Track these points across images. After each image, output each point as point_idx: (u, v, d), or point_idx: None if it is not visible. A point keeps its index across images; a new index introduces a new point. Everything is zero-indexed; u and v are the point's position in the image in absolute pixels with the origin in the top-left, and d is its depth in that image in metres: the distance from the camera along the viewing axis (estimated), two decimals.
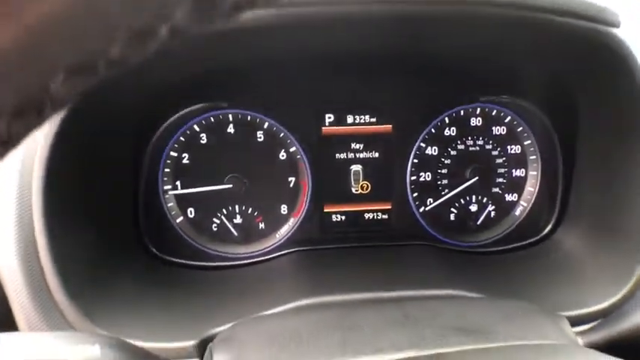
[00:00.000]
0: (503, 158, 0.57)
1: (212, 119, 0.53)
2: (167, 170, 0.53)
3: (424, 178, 0.56)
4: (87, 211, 0.43)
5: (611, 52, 0.45)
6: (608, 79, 0.50)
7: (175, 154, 0.53)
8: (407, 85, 0.54)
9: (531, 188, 0.58)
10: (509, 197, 0.58)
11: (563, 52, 0.51)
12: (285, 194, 0.55)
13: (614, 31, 0.46)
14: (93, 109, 0.37)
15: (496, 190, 0.57)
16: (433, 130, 0.55)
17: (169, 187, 0.53)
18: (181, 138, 0.53)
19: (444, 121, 0.55)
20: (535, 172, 0.57)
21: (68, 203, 0.41)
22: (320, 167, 0.55)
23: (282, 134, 0.53)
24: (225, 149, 0.53)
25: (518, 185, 0.58)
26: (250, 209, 0.55)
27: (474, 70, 0.53)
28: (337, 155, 0.55)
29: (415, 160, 0.55)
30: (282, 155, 0.54)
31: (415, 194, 0.56)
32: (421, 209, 0.56)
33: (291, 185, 0.55)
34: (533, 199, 0.58)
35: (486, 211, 0.57)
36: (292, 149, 0.54)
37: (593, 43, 0.45)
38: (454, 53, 0.51)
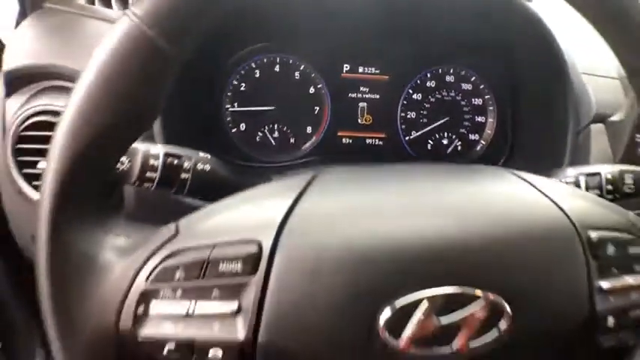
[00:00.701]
0: (469, 107, 0.77)
1: (264, 59, 0.75)
2: (229, 94, 0.75)
3: (410, 116, 0.77)
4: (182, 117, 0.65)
5: (525, 21, 0.67)
6: (530, 46, 0.71)
7: (236, 83, 0.75)
8: (402, 48, 0.76)
9: (489, 131, 0.78)
10: (472, 137, 0.78)
11: (489, 24, 0.72)
12: (311, 119, 0.76)
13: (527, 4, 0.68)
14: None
15: (462, 130, 0.78)
16: (418, 82, 0.76)
17: (229, 105, 0.76)
18: (242, 71, 0.75)
19: (427, 75, 0.76)
20: (492, 120, 0.78)
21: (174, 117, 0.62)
22: (337, 101, 0.76)
23: (313, 74, 0.75)
24: (271, 82, 0.76)
25: (479, 128, 0.77)
26: (285, 127, 0.75)
27: (449, 39, 0.76)
28: (350, 94, 0.76)
29: (404, 102, 0.77)
30: (312, 90, 0.75)
31: (403, 126, 0.77)
32: (407, 138, 0.77)
33: (316, 113, 0.76)
34: (491, 139, 0.77)
35: (454, 145, 0.78)
36: (319, 86, 0.75)
37: (510, 15, 0.67)
38: (431, 26, 0.74)
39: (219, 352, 0.32)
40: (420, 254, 0.33)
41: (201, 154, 0.48)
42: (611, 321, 0.38)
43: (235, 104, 0.75)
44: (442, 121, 0.77)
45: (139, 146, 0.45)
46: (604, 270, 0.38)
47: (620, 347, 0.44)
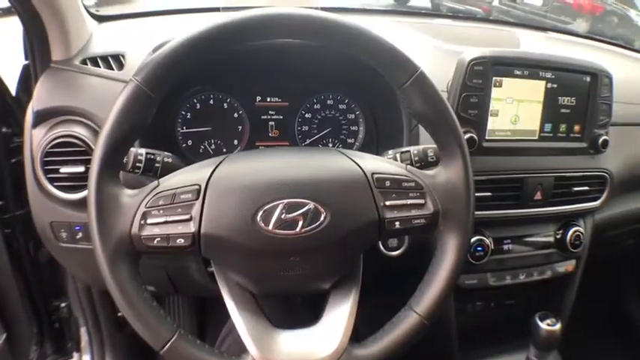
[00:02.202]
0: (345, 121, 1.10)
1: (202, 96, 1.05)
2: (179, 121, 1.06)
3: (304, 128, 1.09)
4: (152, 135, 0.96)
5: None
6: (379, 83, 0.96)
7: (184, 112, 1.07)
8: (295, 83, 1.08)
9: (361, 136, 1.10)
10: (349, 141, 1.11)
11: (353, 69, 0.97)
12: (236, 134, 1.06)
13: None
14: None
15: (342, 137, 1.12)
16: (308, 105, 1.09)
17: (179, 128, 1.08)
18: (187, 105, 1.07)
19: (314, 100, 1.09)
20: (362, 128, 1.11)
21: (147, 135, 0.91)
22: (253, 122, 1.07)
23: (235, 104, 1.07)
24: (207, 111, 1.07)
25: (354, 134, 1.11)
26: (219, 141, 1.06)
27: (327, 76, 1.12)
28: (262, 116, 1.08)
29: (299, 120, 1.11)
30: (235, 115, 1.07)
31: (300, 136, 1.09)
32: (303, 144, 1.12)
33: (239, 130, 1.08)
34: (362, 143, 1.12)
35: (336, 147, 1.14)
36: (240, 112, 1.07)
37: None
38: (315, 69, 1.09)
39: (182, 240, 0.65)
40: (279, 184, 0.64)
41: (166, 153, 0.82)
42: (398, 225, 0.69)
43: (184, 127, 1.08)
44: (326, 131, 1.13)
45: (131, 149, 0.76)
46: (386, 194, 0.67)
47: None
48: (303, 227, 0.64)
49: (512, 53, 1.03)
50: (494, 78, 1.01)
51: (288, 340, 0.68)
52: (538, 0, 5.30)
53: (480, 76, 0.99)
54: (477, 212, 0.98)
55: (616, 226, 1.26)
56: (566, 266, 1.17)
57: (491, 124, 1.04)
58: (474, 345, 1.13)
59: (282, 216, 0.64)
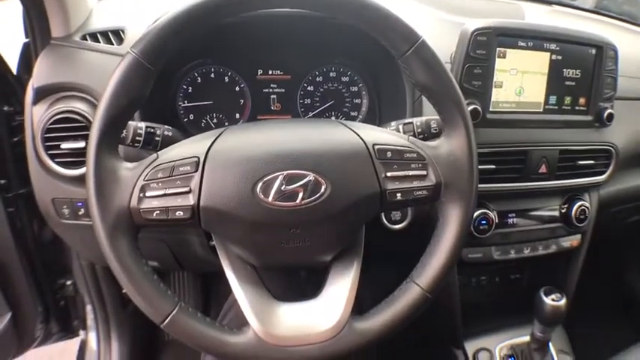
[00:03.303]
0: (348, 93, 1.09)
1: (203, 70, 1.05)
2: (181, 95, 1.06)
3: (307, 101, 1.09)
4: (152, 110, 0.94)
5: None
6: (381, 53, 0.98)
7: (185, 87, 1.06)
8: (297, 56, 1.09)
9: (364, 109, 1.10)
10: (352, 114, 1.10)
11: (355, 39, 0.97)
12: (238, 108, 1.06)
13: None
14: None
15: (345, 109, 1.11)
16: (310, 78, 1.08)
17: (181, 102, 1.08)
18: (188, 79, 1.07)
19: (316, 73, 1.09)
20: (365, 100, 1.11)
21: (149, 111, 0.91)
22: (255, 95, 1.07)
23: (237, 78, 1.06)
24: (209, 84, 1.07)
25: (357, 107, 1.09)
26: (220, 115, 1.06)
27: (329, 47, 1.10)
28: (264, 90, 1.08)
29: (302, 93, 1.10)
30: (237, 88, 1.07)
31: (302, 109, 1.10)
32: (306, 117, 1.12)
33: (241, 104, 1.08)
34: (365, 116, 1.11)
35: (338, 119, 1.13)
36: (242, 85, 1.07)
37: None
38: (316, 39, 1.08)
39: (181, 212, 0.64)
40: (279, 155, 0.63)
41: (166, 126, 0.81)
42: (399, 196, 0.69)
43: (185, 101, 1.08)
44: (329, 103, 1.12)
45: (130, 123, 0.77)
46: (387, 166, 0.66)
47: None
48: (303, 199, 0.63)
49: (516, 24, 1.01)
50: (498, 49, 1.00)
51: (289, 313, 0.68)
52: None
53: (484, 47, 0.98)
54: (480, 185, 0.98)
55: (621, 202, 1.25)
56: (572, 241, 1.17)
57: (495, 95, 1.02)
58: (479, 319, 1.13)
59: (282, 187, 0.63)
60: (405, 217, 1.03)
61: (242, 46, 1.06)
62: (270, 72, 1.09)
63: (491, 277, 1.22)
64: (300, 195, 0.63)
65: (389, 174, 0.68)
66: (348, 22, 0.67)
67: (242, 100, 1.09)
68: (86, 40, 0.93)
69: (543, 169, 1.08)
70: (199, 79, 1.07)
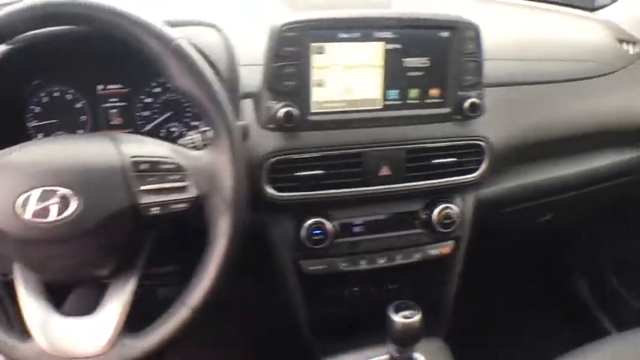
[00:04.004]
0: (188, 103, 1.06)
1: (47, 89, 1.03)
2: (29, 115, 1.10)
3: (146, 114, 1.05)
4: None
5: None
6: None
7: (32, 107, 1.08)
8: (134, 68, 1.06)
9: None
10: (194, 123, 1.07)
11: None
12: (80, 123, 1.04)
13: None
14: None
15: (186, 119, 1.06)
16: (147, 90, 1.04)
17: (29, 123, 1.10)
18: (34, 99, 1.07)
19: (153, 84, 1.06)
20: None
21: None
22: (95, 111, 1.05)
23: (77, 95, 1.06)
24: (54, 103, 1.05)
25: (198, 116, 1.10)
26: (65, 133, 1.11)
27: None
28: (103, 105, 1.06)
29: (139, 105, 1.07)
30: (78, 105, 1.06)
31: (140, 122, 1.08)
32: (143, 130, 1.09)
33: (82, 120, 1.08)
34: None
35: (179, 130, 1.10)
36: (83, 102, 1.06)
37: None
38: None
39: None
40: (35, 171, 0.64)
41: None
42: (156, 210, 0.68)
43: (35, 121, 1.11)
44: (167, 114, 1.09)
45: None
46: (142, 179, 0.67)
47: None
48: (56, 216, 0.64)
49: (332, 14, 0.93)
50: (313, 44, 0.92)
51: (66, 327, 0.69)
52: None
53: (295, 43, 0.90)
54: (313, 192, 0.92)
55: (517, 200, 1.11)
56: (442, 248, 1.05)
57: (317, 95, 0.94)
58: (334, 337, 1.05)
59: (37, 204, 0.64)
60: None
61: (80, 63, 1.07)
62: (109, 87, 1.09)
63: (353, 289, 1.12)
64: (53, 212, 0.64)
65: (144, 187, 0.67)
66: (113, 35, 0.69)
67: (84, 117, 1.10)
68: None
69: (385, 171, 0.97)
70: (45, 98, 1.09)
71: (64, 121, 1.09)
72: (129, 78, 1.09)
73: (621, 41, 1.25)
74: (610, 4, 1.33)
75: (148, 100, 1.09)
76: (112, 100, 1.09)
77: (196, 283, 0.70)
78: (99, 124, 1.10)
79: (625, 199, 1.35)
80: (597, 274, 1.48)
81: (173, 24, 0.96)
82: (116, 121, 1.10)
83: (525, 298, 1.51)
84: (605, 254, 1.48)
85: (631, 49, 1.25)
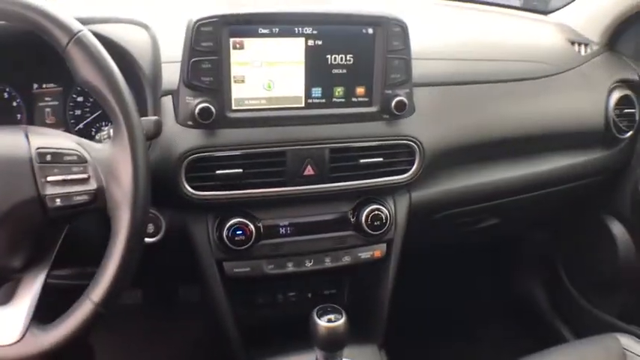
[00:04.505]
0: None
1: None
2: None
3: (77, 112, 1.06)
4: None
5: None
6: None
7: None
8: (53, 67, 1.02)
9: None
10: None
11: None
12: (16, 123, 1.07)
13: None
14: None
15: None
16: (79, 89, 1.04)
17: None
18: None
19: None
20: None
21: None
22: (30, 109, 1.05)
23: (13, 93, 1.06)
24: None
25: None
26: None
27: None
28: (39, 103, 1.07)
29: (71, 104, 1.06)
30: (15, 103, 1.05)
31: (72, 121, 1.08)
32: (76, 129, 1.09)
33: (18, 119, 1.09)
34: None
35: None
36: (18, 100, 1.06)
37: None
38: None
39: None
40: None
41: None
42: (59, 202, 0.67)
43: None
44: (97, 113, 1.09)
45: None
46: (47, 169, 0.67)
47: None
48: None
49: (251, 10, 0.91)
50: (232, 39, 0.90)
51: None
52: None
53: (211, 39, 0.89)
54: (233, 192, 0.90)
55: (452, 205, 1.07)
56: (373, 251, 1.01)
57: (237, 91, 0.93)
58: (265, 344, 1.01)
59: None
60: (160, 230, 0.97)
61: (17, 61, 1.07)
62: (44, 85, 1.09)
63: (299, 295, 1.09)
64: None
65: (49, 178, 0.67)
66: (25, 28, 0.68)
67: (19, 115, 1.10)
68: None
69: (310, 171, 0.95)
70: None
71: (3, 120, 1.08)
72: (62, 77, 1.08)
73: (572, 42, 1.21)
74: (563, 7, 1.30)
75: (80, 98, 1.09)
76: (46, 98, 1.09)
77: (99, 278, 0.68)
78: (35, 123, 1.09)
79: (577, 203, 1.29)
80: (554, 280, 1.42)
81: (101, 20, 1.01)
82: (50, 119, 1.10)
83: (479, 305, 1.46)
84: (560, 260, 1.42)
85: (582, 50, 1.21)
